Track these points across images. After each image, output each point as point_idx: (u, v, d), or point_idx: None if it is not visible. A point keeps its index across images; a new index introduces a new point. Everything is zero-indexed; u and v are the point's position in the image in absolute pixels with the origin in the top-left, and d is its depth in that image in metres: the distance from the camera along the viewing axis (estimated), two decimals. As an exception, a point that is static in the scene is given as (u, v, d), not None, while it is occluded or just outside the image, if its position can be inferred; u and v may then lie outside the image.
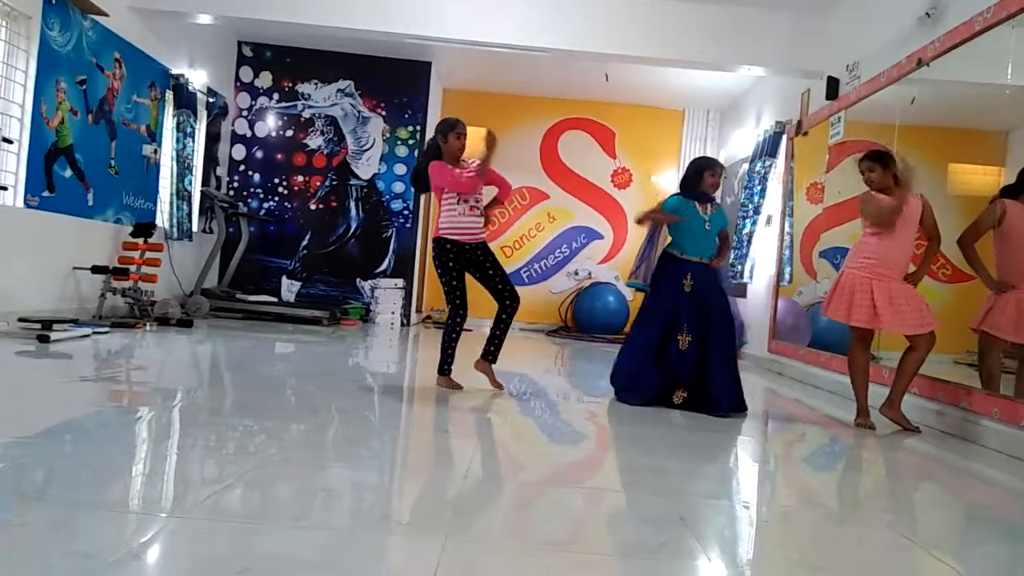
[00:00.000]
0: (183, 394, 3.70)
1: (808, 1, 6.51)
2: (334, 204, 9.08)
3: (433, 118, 9.43)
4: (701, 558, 1.88)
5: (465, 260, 4.27)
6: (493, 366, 4.39)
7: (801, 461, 3.60)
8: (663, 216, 4.34)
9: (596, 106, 10.19)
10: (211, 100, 8.17)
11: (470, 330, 9.19)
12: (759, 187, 7.59)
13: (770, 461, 3.43)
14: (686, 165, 4.52)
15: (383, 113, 9.09)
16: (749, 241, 7.74)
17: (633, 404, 4.17)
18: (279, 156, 9.04)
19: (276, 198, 9.04)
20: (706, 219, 4.30)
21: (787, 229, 7.14)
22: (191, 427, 2.97)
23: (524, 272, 10.08)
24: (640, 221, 4.47)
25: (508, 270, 4.53)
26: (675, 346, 4.19)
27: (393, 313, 8.75)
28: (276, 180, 9.04)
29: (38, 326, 4.93)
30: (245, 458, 2.52)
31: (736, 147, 9.18)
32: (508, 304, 4.30)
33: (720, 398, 4.11)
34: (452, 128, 4.22)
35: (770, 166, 7.52)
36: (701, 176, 4.37)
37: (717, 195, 4.50)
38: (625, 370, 4.35)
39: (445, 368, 4.33)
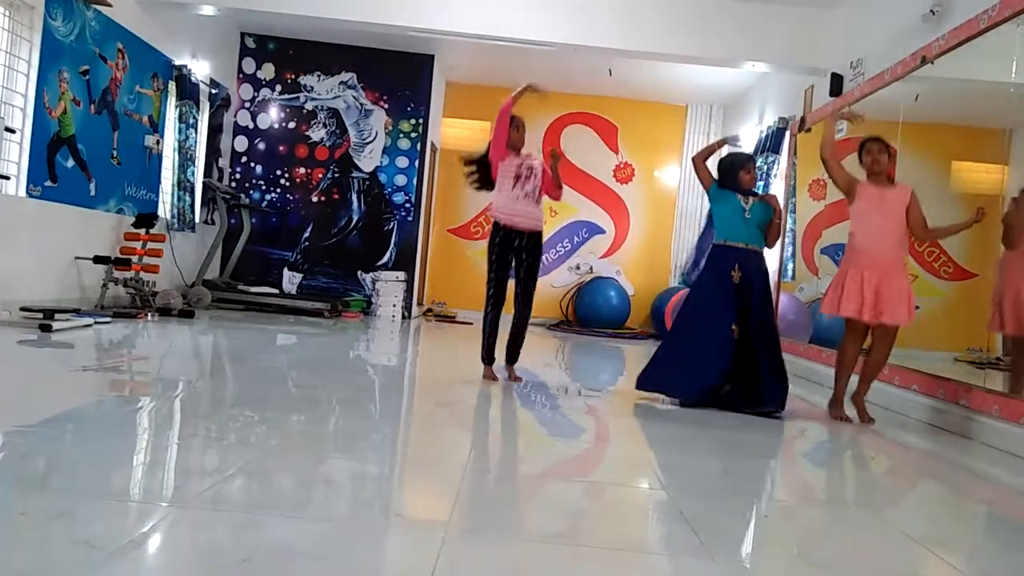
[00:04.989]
0: (184, 384, 3.70)
1: (813, -3, 6.50)
2: (336, 196, 9.08)
3: (436, 111, 9.42)
4: (701, 553, 1.89)
5: (512, 250, 4.39)
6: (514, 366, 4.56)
7: (801, 457, 3.61)
8: (715, 146, 4.49)
9: (599, 101, 10.17)
10: (214, 91, 8.16)
11: (470, 323, 9.24)
12: (762, 183, 7.58)
13: (770, 457, 3.44)
14: (719, 162, 4.52)
15: (386, 106, 9.08)
16: None
17: (690, 399, 4.11)
18: (281, 148, 9.04)
19: (278, 190, 9.03)
20: (746, 208, 4.29)
21: (789, 225, 7.13)
22: (192, 417, 2.98)
23: (525, 266, 10.07)
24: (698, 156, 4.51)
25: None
26: (730, 335, 4.16)
27: (394, 306, 8.75)
28: (278, 172, 9.04)
29: (40, 315, 4.94)
30: (246, 449, 2.52)
31: (739, 143, 9.16)
32: (517, 308, 4.47)
33: (772, 399, 4.11)
34: (510, 123, 4.34)
35: (773, 162, 7.51)
36: (736, 175, 4.35)
37: None
38: (675, 365, 4.22)
39: (484, 358, 4.49)
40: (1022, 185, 4.20)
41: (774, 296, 7.15)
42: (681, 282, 9.56)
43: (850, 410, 4.18)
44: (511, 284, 4.53)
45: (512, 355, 4.55)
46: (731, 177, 4.35)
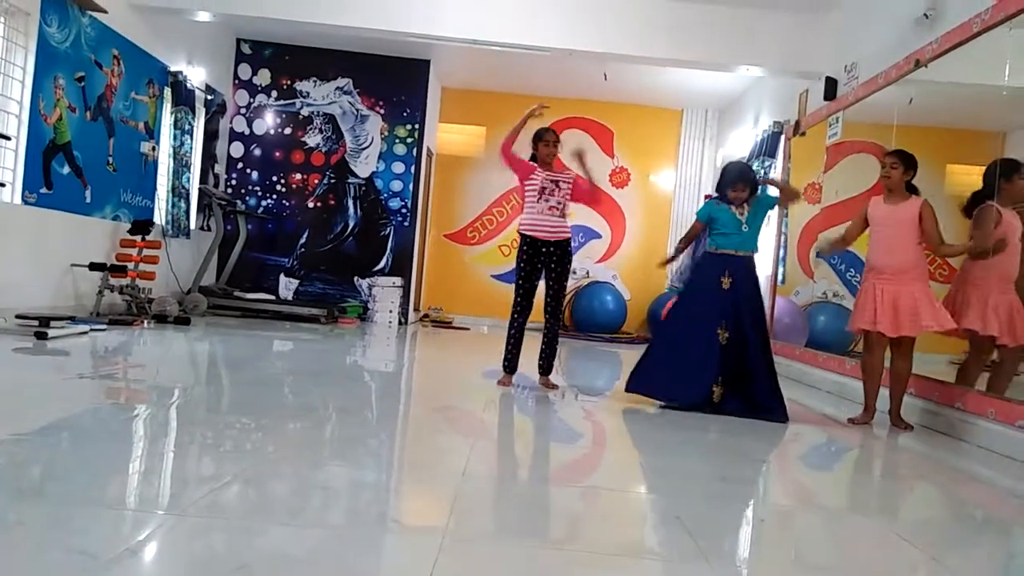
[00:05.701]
0: (180, 392, 3.70)
1: (807, 1, 6.52)
2: (332, 202, 9.08)
3: (432, 117, 9.44)
4: (698, 557, 1.89)
5: (540, 259, 4.49)
6: (549, 376, 4.68)
7: (797, 460, 3.61)
8: (690, 237, 4.59)
9: (594, 105, 10.18)
10: (209, 97, 8.16)
11: (467, 328, 9.24)
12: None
13: (766, 460, 3.44)
14: (719, 170, 4.62)
15: (381, 111, 9.09)
16: None
17: (681, 405, 4.14)
18: (277, 154, 9.04)
19: (274, 196, 9.03)
20: (742, 220, 4.34)
21: (783, 229, 7.15)
22: (188, 425, 2.97)
23: (522, 271, 10.08)
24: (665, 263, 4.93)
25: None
26: (716, 341, 4.20)
27: (391, 311, 8.75)
28: (274, 178, 9.04)
29: (36, 323, 4.93)
30: (242, 456, 2.52)
31: (734, 147, 9.19)
32: (546, 319, 4.61)
33: (774, 407, 4.14)
34: (540, 138, 4.67)
35: (769, 166, 7.53)
36: (725, 192, 4.42)
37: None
38: (663, 369, 4.26)
39: (504, 364, 4.62)
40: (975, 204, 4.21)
41: (768, 300, 7.19)
42: (671, 290, 9.57)
43: (881, 427, 4.20)
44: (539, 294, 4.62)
45: (545, 367, 4.66)
46: (724, 190, 4.42)
